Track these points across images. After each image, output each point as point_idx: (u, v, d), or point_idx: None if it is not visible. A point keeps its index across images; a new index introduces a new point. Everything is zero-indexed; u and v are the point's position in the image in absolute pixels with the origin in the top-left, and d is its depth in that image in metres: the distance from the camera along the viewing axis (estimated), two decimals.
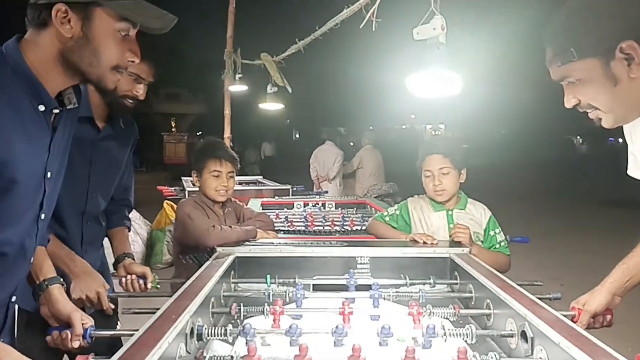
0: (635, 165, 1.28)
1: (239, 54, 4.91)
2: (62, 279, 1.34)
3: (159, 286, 1.66)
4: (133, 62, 1.12)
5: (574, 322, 1.25)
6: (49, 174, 1.13)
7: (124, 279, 1.64)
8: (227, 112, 5.35)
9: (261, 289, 1.54)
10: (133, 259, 1.73)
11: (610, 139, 25.08)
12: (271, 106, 4.62)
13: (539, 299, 1.19)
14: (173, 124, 24.04)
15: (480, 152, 17.24)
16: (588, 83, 1.07)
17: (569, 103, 1.14)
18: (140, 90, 1.64)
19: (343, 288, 1.58)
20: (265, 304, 1.31)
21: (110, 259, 1.80)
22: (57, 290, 1.26)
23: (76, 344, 1.17)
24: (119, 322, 1.72)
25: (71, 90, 1.14)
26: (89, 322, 1.21)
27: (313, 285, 1.64)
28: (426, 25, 1.31)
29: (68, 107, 1.15)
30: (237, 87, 5.03)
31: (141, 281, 1.64)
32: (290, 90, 3.87)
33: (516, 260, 2.02)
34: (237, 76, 4.90)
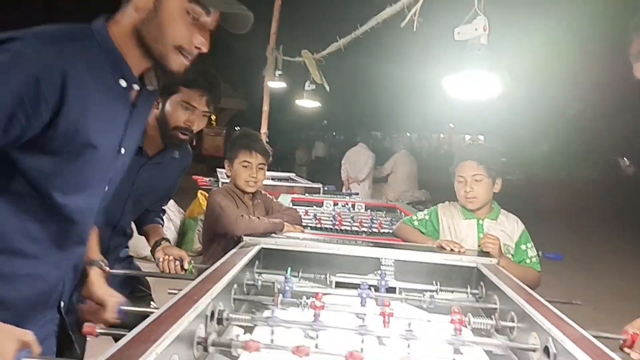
0: None
1: (281, 50, 4.97)
2: (102, 264, 1.39)
3: (194, 270, 1.70)
4: (200, 49, 1.12)
5: (626, 347, 1.17)
6: (122, 150, 1.16)
7: (161, 259, 1.69)
8: (265, 108, 5.43)
9: (276, 281, 1.55)
10: (170, 243, 1.79)
11: None
12: (308, 103, 4.64)
13: (556, 302, 1.15)
14: (213, 117, 24.49)
15: (519, 167, 16.78)
16: None
17: None
18: (194, 122, 1.68)
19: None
20: (304, 297, 1.31)
21: None
22: (93, 273, 1.31)
23: (110, 317, 1.21)
24: (152, 302, 1.78)
25: (152, 73, 1.18)
26: (123, 301, 1.25)
27: (336, 282, 1.64)
28: (468, 25, 1.29)
29: (148, 88, 1.19)
30: (276, 84, 5.08)
31: (177, 263, 1.68)
32: (328, 88, 3.88)
33: (548, 278, 1.96)
34: (277, 73, 4.95)
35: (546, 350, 1.05)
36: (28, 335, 0.89)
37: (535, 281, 1.89)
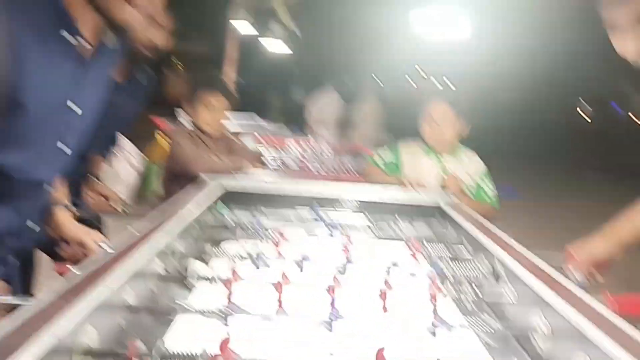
0: None
1: None
2: (70, 205, 1.34)
3: (126, 209, 1.67)
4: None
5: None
6: (73, 107, 1.10)
7: (89, 199, 1.65)
8: (230, 52, 5.22)
9: (247, 220, 1.55)
10: (102, 182, 1.75)
11: (615, 106, 24.76)
12: (276, 48, 4.48)
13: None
14: (174, 61, 23.57)
15: (483, 113, 17.06)
16: None
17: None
18: (156, 36, 1.58)
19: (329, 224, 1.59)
20: (269, 231, 1.32)
21: None
22: (64, 215, 1.26)
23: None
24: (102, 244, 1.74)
25: (110, 29, 1.09)
26: (101, 238, 1.23)
27: (297, 218, 1.65)
28: None
29: (107, 45, 1.11)
30: (242, 26, 4.85)
31: (109, 202, 1.67)
32: (297, 32, 3.75)
33: (503, 216, 2.02)
34: (244, 16, 4.72)
35: (497, 275, 1.10)
36: None
37: (493, 218, 1.95)
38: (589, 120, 24.81)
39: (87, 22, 1.05)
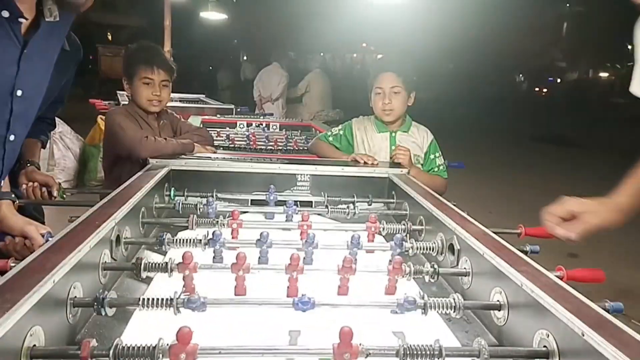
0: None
1: None
2: (14, 195, 1.25)
3: (65, 196, 1.57)
4: None
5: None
6: (18, 92, 1.02)
7: (24, 185, 1.52)
8: (167, 23, 4.99)
9: (199, 202, 1.49)
10: (38, 168, 1.60)
11: (549, 78, 26.03)
12: (213, 15, 4.31)
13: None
14: (109, 37, 22.20)
15: (428, 85, 17.41)
16: None
17: None
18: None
19: (283, 204, 1.57)
20: (221, 217, 1.28)
21: None
22: (5, 206, 1.18)
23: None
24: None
25: (52, 2, 0.99)
26: (45, 229, 1.15)
27: (251, 200, 1.62)
28: None
29: (47, 20, 1.00)
30: None
31: (44, 189, 1.53)
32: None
33: (451, 188, 2.08)
34: None
35: (451, 247, 1.12)
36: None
37: (443, 187, 2.00)
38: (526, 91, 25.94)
39: None
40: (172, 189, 1.56)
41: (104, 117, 4.79)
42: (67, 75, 1.61)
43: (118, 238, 1.05)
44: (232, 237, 1.20)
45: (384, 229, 1.31)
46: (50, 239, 1.04)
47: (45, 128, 1.70)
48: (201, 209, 1.40)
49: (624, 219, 1.03)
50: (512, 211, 4.78)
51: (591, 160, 8.67)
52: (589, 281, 1.02)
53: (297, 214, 1.38)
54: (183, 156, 1.75)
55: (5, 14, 0.94)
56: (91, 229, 0.94)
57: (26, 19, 0.99)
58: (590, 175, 6.39)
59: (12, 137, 1.08)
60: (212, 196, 1.52)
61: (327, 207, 1.49)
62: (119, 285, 1.03)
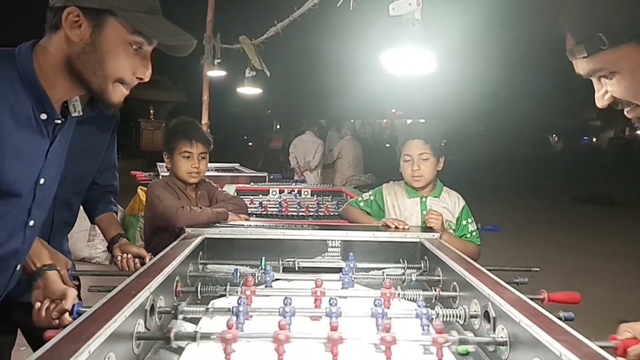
0: None
1: (219, 38, 4.84)
2: (57, 267, 1.31)
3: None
4: (141, 79, 1.07)
5: (617, 355, 0.99)
6: (42, 181, 1.10)
7: (119, 257, 1.61)
8: (205, 98, 5.28)
9: (230, 270, 1.52)
10: (128, 240, 1.70)
11: (584, 137, 25.64)
12: (249, 90, 4.56)
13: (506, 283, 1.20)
14: (151, 112, 23.63)
15: (458, 148, 17.46)
16: (627, 76, 0.84)
17: (601, 102, 0.90)
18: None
19: (314, 270, 1.57)
20: (228, 284, 1.29)
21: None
22: (54, 275, 1.24)
23: (66, 320, 1.14)
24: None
25: (77, 98, 1.10)
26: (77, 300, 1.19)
27: (283, 267, 1.62)
28: (402, 0, 1.30)
29: (72, 115, 1.11)
30: (215, 73, 4.95)
31: (137, 260, 1.61)
32: (268, 74, 3.83)
33: (487, 251, 2.03)
34: (216, 61, 4.83)
35: (486, 314, 1.09)
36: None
37: (476, 254, 1.96)
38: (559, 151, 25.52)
39: (62, 95, 1.05)
40: (206, 257, 1.59)
41: (144, 188, 5.01)
42: (109, 137, 1.73)
43: (152, 307, 1.07)
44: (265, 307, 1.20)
45: (401, 295, 1.28)
46: (78, 310, 1.09)
47: (111, 198, 1.82)
48: (235, 278, 1.41)
49: None
50: (555, 274, 4.58)
51: (632, 218, 8.31)
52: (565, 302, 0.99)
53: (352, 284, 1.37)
54: (217, 224, 1.80)
55: (44, 116, 1.03)
56: (127, 298, 0.97)
57: (62, 120, 1.08)
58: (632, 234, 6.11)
59: (31, 223, 1.13)
60: (245, 263, 1.54)
61: (353, 271, 1.48)
62: (152, 356, 1.04)
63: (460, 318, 1.15)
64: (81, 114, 1.13)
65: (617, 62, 0.84)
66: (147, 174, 5.02)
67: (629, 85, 0.85)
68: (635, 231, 6.92)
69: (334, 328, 0.95)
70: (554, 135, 27.87)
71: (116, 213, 1.83)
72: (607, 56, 0.83)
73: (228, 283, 1.29)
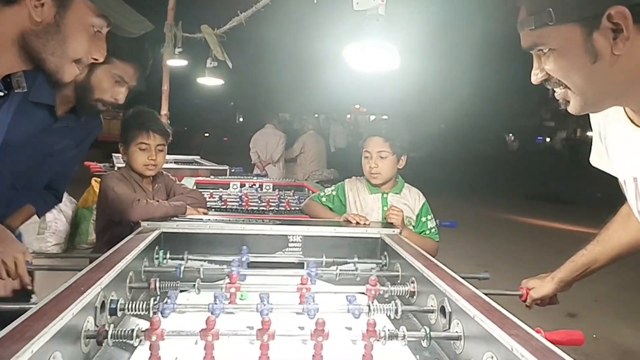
0: (599, 156, 1.15)
1: (180, 27, 4.71)
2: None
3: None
4: (96, 60, 1.08)
5: (523, 301, 1.47)
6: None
7: None
8: (165, 87, 5.15)
9: (189, 265, 1.48)
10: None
11: (538, 137, 26.69)
12: (210, 81, 4.47)
13: (468, 278, 1.22)
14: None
15: (420, 145, 17.78)
16: (562, 55, 0.88)
17: (535, 77, 0.95)
18: (120, 95, 1.59)
19: (274, 266, 1.56)
20: (198, 280, 1.27)
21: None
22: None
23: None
24: (33, 296, 1.60)
25: (21, 73, 1.07)
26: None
27: (249, 263, 1.60)
28: None
29: (16, 91, 1.08)
30: (176, 62, 4.82)
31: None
32: (230, 65, 3.76)
33: (445, 246, 2.08)
34: (177, 50, 4.70)
35: (442, 310, 1.11)
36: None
37: (434, 250, 1.99)
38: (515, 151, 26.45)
39: (3, 67, 1.01)
40: (161, 251, 1.55)
41: (98, 180, 4.83)
42: (83, 147, 1.70)
43: (103, 304, 1.03)
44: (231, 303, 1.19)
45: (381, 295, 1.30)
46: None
47: (49, 199, 1.76)
48: (195, 273, 1.38)
49: (563, 288, 1.43)
50: (509, 268, 4.74)
51: (581, 216, 8.74)
52: (566, 344, 1.06)
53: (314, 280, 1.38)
54: (175, 218, 1.76)
55: None
56: (75, 295, 0.93)
57: (4, 93, 1.07)
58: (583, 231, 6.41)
59: None
60: (203, 258, 1.51)
61: (318, 266, 1.48)
62: (101, 354, 1.00)
63: (391, 312, 1.17)
64: (25, 89, 1.10)
65: (558, 39, 0.87)
66: (102, 165, 4.84)
67: (562, 65, 0.89)
68: (581, 227, 7.27)
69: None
70: (510, 134, 28.87)
71: (38, 215, 1.76)
72: (550, 32, 0.87)
73: (198, 279, 1.26)
